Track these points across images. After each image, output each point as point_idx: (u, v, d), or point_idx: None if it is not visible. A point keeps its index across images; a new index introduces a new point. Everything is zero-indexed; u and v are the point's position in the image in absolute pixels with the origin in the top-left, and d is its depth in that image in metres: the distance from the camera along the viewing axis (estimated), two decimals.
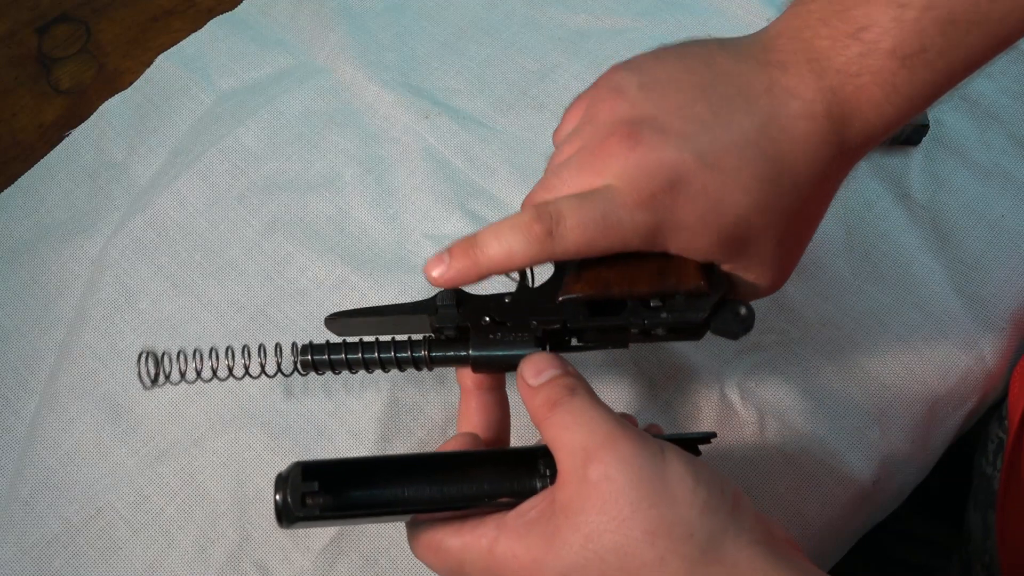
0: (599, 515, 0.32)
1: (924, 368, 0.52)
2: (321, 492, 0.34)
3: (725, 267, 0.39)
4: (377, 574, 0.48)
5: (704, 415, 0.51)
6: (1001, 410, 0.54)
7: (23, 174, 0.60)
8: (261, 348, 0.42)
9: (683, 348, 0.53)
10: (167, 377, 0.40)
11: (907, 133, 0.58)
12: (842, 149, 0.37)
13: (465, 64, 0.63)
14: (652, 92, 0.37)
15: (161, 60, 0.64)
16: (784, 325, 0.53)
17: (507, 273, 0.39)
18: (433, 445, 0.50)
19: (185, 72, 0.63)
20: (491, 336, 0.39)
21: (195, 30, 0.65)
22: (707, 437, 0.39)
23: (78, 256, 0.57)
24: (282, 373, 0.42)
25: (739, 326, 0.38)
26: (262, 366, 0.42)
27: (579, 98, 0.42)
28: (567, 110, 0.42)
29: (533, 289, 0.40)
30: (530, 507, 0.34)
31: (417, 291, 0.54)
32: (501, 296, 0.39)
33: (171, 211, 0.58)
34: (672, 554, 0.31)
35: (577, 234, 0.36)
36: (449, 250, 0.38)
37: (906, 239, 0.56)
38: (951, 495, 0.61)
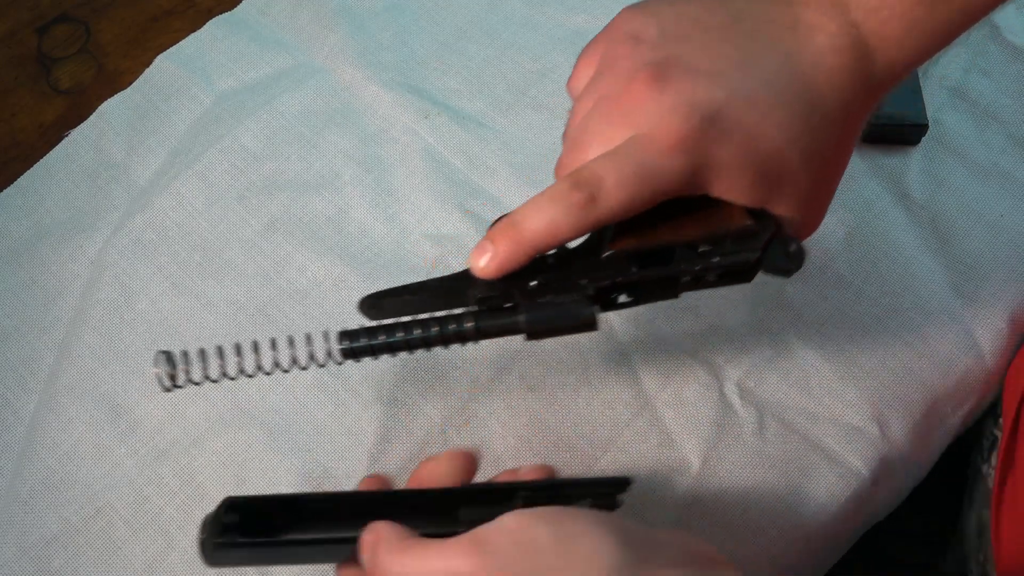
0: None
1: (924, 368, 0.52)
2: (240, 525, 0.35)
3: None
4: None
5: (704, 415, 0.51)
6: (996, 408, 0.54)
7: (23, 174, 0.60)
8: (291, 339, 0.40)
9: (682, 347, 0.53)
10: (189, 378, 0.39)
11: (907, 133, 0.58)
12: (868, 84, 0.37)
13: (465, 64, 0.63)
14: (673, 35, 0.36)
15: (161, 60, 0.64)
16: (784, 325, 0.53)
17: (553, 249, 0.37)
18: (433, 444, 0.50)
19: (184, 72, 0.63)
20: (542, 301, 0.36)
21: (195, 30, 0.65)
22: (623, 483, 0.37)
23: (78, 256, 0.57)
24: (316, 365, 0.40)
25: (791, 262, 0.37)
26: (294, 359, 0.40)
27: (592, 45, 0.40)
28: (580, 57, 0.41)
29: (574, 248, 0.38)
30: None
31: None
32: (543, 257, 0.37)
33: (171, 211, 0.58)
34: None
35: (619, 193, 0.35)
36: (489, 236, 0.36)
37: (905, 239, 0.56)
38: (948, 493, 0.61)
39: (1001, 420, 0.52)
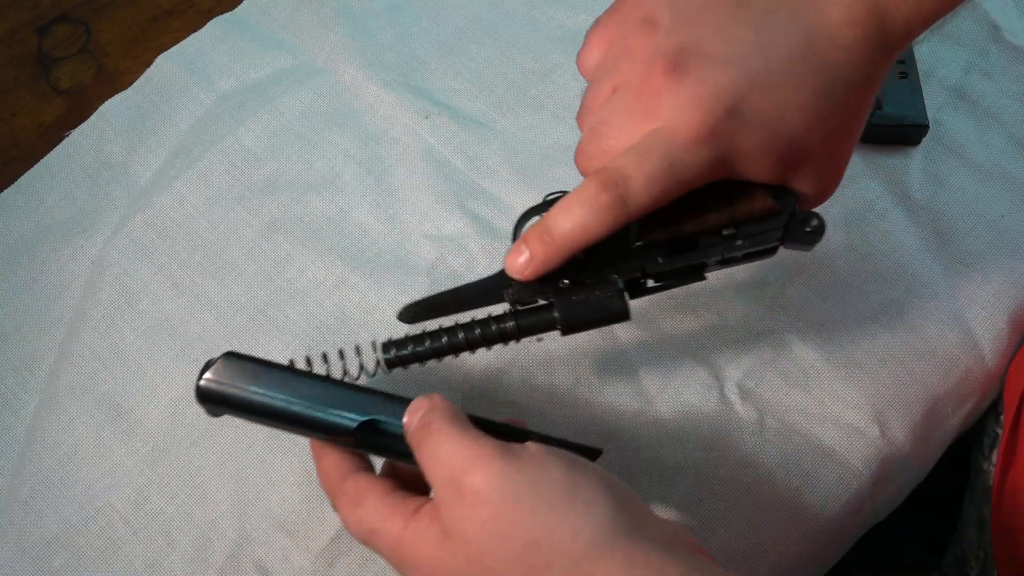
0: (479, 535, 0.32)
1: (924, 368, 0.52)
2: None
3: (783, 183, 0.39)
4: (377, 574, 0.48)
5: (704, 415, 0.51)
6: (998, 405, 0.54)
7: (23, 174, 0.60)
8: (340, 352, 0.42)
9: (682, 348, 0.53)
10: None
11: (907, 133, 0.58)
12: (885, 48, 0.36)
13: (465, 64, 0.63)
14: (686, 17, 0.36)
15: (161, 60, 0.64)
16: (784, 325, 0.53)
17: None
18: None
19: (185, 72, 0.63)
20: (575, 297, 0.38)
21: (195, 30, 0.65)
22: (594, 452, 0.38)
23: (78, 256, 0.57)
24: (367, 375, 0.42)
25: (813, 237, 0.39)
26: (345, 371, 0.41)
27: (603, 21, 0.40)
28: (590, 33, 0.40)
29: (603, 243, 0.38)
30: (433, 506, 0.35)
31: (417, 291, 0.54)
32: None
33: (171, 211, 0.58)
34: (559, 555, 0.32)
35: (648, 191, 0.35)
36: (525, 240, 0.38)
37: (906, 239, 0.56)
38: (948, 493, 0.61)
39: (1002, 417, 0.52)
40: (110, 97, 0.62)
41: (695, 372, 0.52)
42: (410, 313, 0.41)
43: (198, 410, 0.51)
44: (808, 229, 0.39)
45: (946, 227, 0.57)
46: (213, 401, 0.39)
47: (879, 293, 0.54)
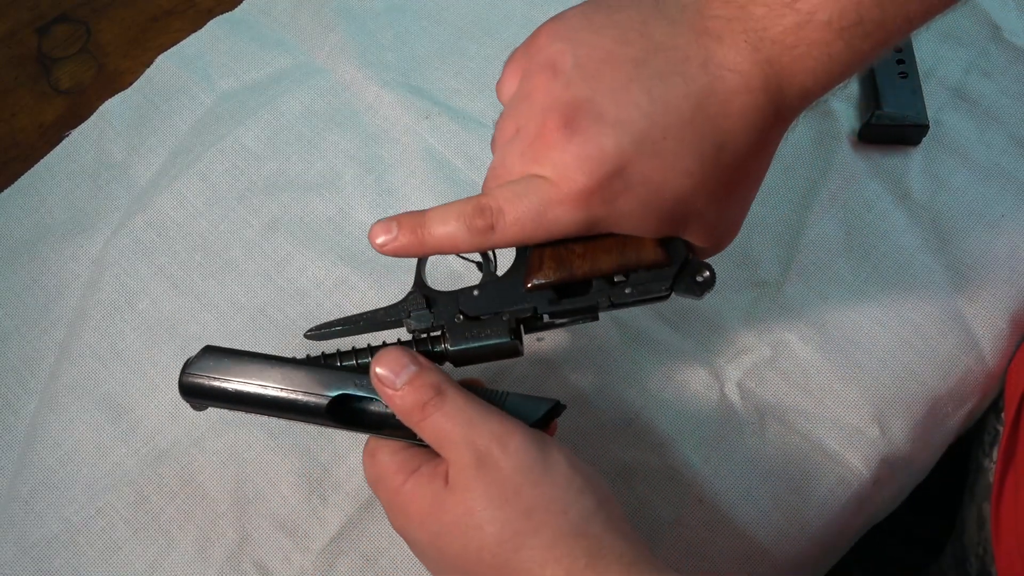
0: (483, 495, 0.35)
1: (924, 368, 0.52)
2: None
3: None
4: (377, 574, 0.48)
5: (704, 415, 0.51)
6: (998, 403, 0.54)
7: (23, 174, 0.60)
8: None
9: (683, 348, 0.53)
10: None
11: (907, 133, 0.58)
12: (779, 116, 0.37)
13: (465, 64, 0.63)
14: (586, 70, 0.37)
15: (161, 60, 0.64)
16: (784, 326, 0.53)
17: (457, 254, 0.40)
18: None
19: (185, 72, 0.63)
20: (467, 333, 0.40)
21: (195, 30, 0.65)
22: (556, 406, 0.40)
23: (78, 256, 0.57)
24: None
25: (701, 290, 0.39)
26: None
27: (515, 55, 0.42)
28: (507, 63, 0.42)
29: (499, 278, 0.41)
30: (434, 466, 0.37)
31: None
32: (469, 290, 0.41)
33: (171, 211, 0.58)
34: (546, 526, 0.35)
35: (515, 230, 0.38)
36: (397, 220, 0.40)
37: (906, 239, 0.56)
38: (948, 493, 0.61)
39: (1003, 415, 0.52)
40: (110, 97, 0.62)
41: (695, 372, 0.52)
42: (316, 333, 0.43)
43: None
44: (699, 279, 0.39)
45: (946, 227, 0.57)
46: (195, 394, 0.41)
47: (879, 293, 0.54)
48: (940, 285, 0.55)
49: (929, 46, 0.63)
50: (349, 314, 0.43)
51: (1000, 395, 0.54)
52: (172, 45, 0.64)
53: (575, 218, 0.37)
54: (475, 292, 0.41)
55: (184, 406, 0.52)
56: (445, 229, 0.39)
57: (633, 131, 0.35)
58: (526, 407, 0.39)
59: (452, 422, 0.37)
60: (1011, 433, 0.51)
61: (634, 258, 0.39)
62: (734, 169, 0.37)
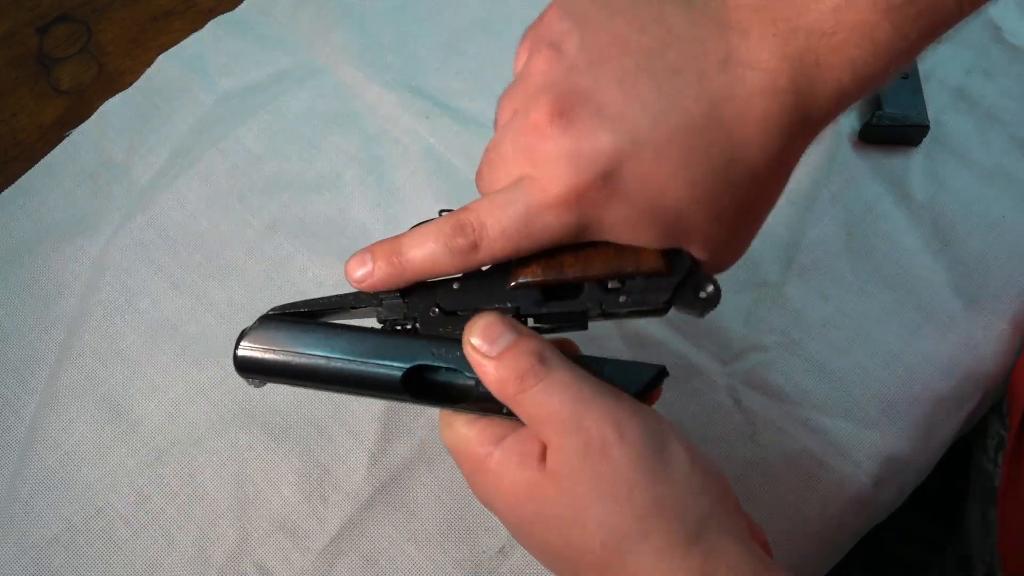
0: (592, 490, 0.32)
1: (925, 368, 0.52)
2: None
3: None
4: (377, 574, 0.48)
5: (704, 415, 0.51)
6: (1002, 407, 0.54)
7: (23, 174, 0.60)
8: None
9: (683, 348, 0.53)
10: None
11: (908, 133, 0.58)
12: (805, 123, 0.33)
13: (465, 64, 0.63)
14: (592, 54, 0.33)
15: (161, 60, 0.64)
16: (785, 326, 0.53)
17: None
18: (434, 444, 0.50)
19: (185, 72, 0.63)
20: (441, 329, 0.36)
21: (195, 30, 0.65)
22: (661, 372, 0.36)
23: (78, 256, 0.57)
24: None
25: (703, 306, 0.35)
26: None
27: (528, 31, 0.37)
28: (521, 40, 0.38)
29: (482, 272, 0.37)
30: (524, 440, 0.34)
31: None
32: (449, 282, 0.37)
33: (171, 211, 0.58)
34: (658, 532, 0.31)
35: (501, 244, 0.34)
36: (371, 251, 0.36)
37: (907, 240, 0.56)
38: (949, 493, 0.61)
39: (1007, 419, 0.52)
40: (110, 97, 0.62)
41: (695, 372, 0.52)
42: (279, 315, 0.40)
43: (198, 410, 0.52)
44: (702, 295, 0.35)
45: (947, 228, 0.57)
46: (251, 370, 0.37)
47: (880, 294, 0.54)
48: (941, 286, 0.55)
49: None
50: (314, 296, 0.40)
51: (1003, 398, 0.54)
52: (172, 45, 0.64)
53: (564, 222, 0.33)
54: (455, 285, 0.37)
55: (184, 406, 0.52)
56: (422, 252, 0.35)
57: (633, 129, 0.32)
58: (627, 374, 0.35)
59: (557, 398, 0.32)
60: (1017, 439, 0.51)
61: (631, 264, 0.35)
62: (747, 184, 0.33)
